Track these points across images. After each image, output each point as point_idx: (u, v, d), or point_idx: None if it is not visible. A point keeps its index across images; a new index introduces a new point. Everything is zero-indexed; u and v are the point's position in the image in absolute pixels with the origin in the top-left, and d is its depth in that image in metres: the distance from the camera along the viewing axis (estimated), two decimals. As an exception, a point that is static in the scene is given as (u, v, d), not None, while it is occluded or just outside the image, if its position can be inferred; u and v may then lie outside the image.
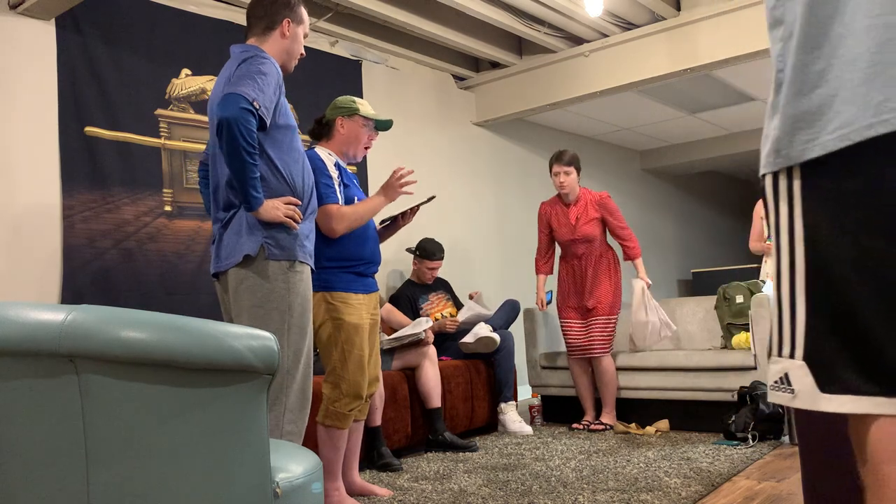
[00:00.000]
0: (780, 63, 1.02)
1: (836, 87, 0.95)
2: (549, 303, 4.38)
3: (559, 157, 4.20)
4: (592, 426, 4.13)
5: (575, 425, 4.21)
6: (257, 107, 2.15)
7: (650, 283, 4.16)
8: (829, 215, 0.95)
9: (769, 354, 1.04)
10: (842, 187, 0.94)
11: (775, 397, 1.02)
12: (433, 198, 3.13)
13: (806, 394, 0.97)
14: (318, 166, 2.73)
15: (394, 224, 3.08)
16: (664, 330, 4.12)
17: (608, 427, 4.12)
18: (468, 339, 4.14)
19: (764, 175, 1.04)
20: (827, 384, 0.95)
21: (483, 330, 4.14)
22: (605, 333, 4.12)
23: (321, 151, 2.85)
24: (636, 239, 4.24)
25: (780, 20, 1.03)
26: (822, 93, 0.96)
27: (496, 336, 4.12)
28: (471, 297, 4.46)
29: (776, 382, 1.01)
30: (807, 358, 0.97)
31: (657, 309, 4.14)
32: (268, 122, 2.22)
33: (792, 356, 0.99)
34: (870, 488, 0.95)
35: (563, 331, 4.28)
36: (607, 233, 4.27)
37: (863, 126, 0.91)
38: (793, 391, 0.99)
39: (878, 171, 0.92)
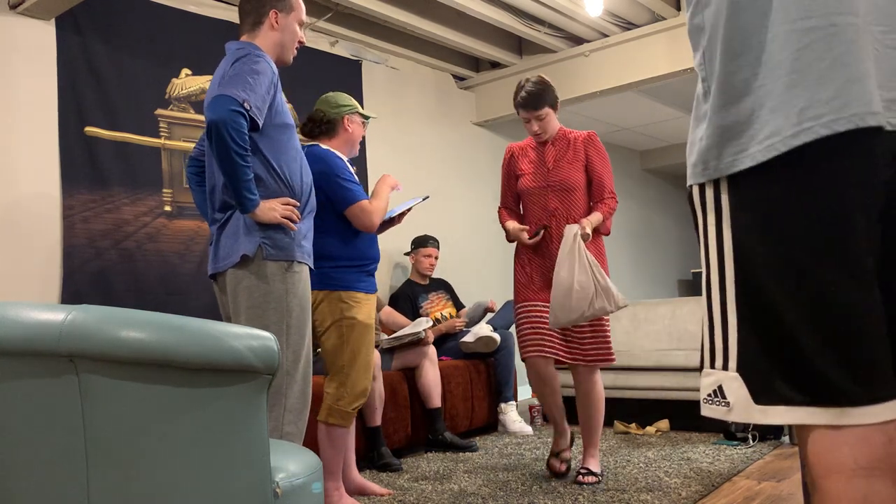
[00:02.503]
0: (703, 72, 1.00)
1: (762, 96, 0.93)
2: (537, 235, 2.99)
3: (525, 101, 3.05)
4: (580, 478, 2.90)
5: (552, 464, 3.07)
6: (248, 108, 2.10)
7: (589, 232, 2.86)
8: (755, 226, 0.94)
9: (700, 367, 1.02)
10: (767, 198, 0.93)
11: (709, 411, 0.99)
12: (427, 198, 3.18)
13: (741, 406, 0.95)
14: (340, 164, 2.74)
15: (390, 223, 3.08)
16: (600, 300, 2.79)
17: (599, 478, 2.91)
18: (468, 338, 4.14)
19: (691, 185, 1.02)
20: (761, 395, 0.94)
21: (483, 330, 4.14)
22: (597, 339, 2.96)
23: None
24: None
25: (700, 27, 1.01)
26: (749, 102, 0.94)
27: (496, 336, 4.12)
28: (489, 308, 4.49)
29: (709, 396, 0.99)
30: (740, 369, 0.95)
31: (594, 270, 2.81)
32: (260, 123, 2.18)
33: (725, 368, 0.97)
34: (813, 500, 0.94)
35: (520, 319, 3.01)
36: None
37: (788, 135, 0.89)
38: (727, 404, 0.96)
39: (802, 181, 0.91)
